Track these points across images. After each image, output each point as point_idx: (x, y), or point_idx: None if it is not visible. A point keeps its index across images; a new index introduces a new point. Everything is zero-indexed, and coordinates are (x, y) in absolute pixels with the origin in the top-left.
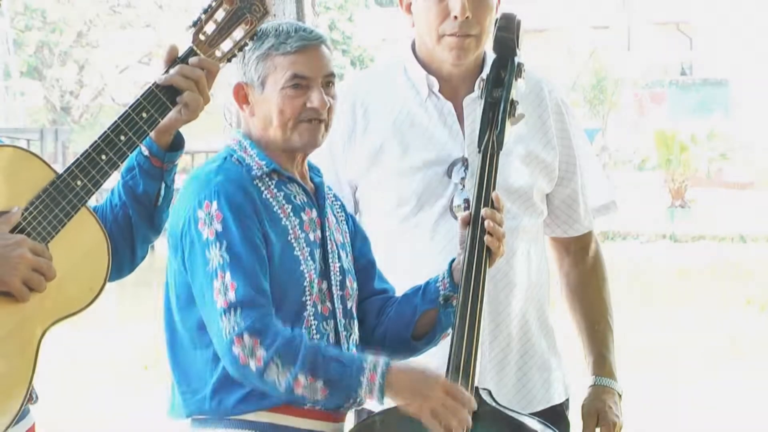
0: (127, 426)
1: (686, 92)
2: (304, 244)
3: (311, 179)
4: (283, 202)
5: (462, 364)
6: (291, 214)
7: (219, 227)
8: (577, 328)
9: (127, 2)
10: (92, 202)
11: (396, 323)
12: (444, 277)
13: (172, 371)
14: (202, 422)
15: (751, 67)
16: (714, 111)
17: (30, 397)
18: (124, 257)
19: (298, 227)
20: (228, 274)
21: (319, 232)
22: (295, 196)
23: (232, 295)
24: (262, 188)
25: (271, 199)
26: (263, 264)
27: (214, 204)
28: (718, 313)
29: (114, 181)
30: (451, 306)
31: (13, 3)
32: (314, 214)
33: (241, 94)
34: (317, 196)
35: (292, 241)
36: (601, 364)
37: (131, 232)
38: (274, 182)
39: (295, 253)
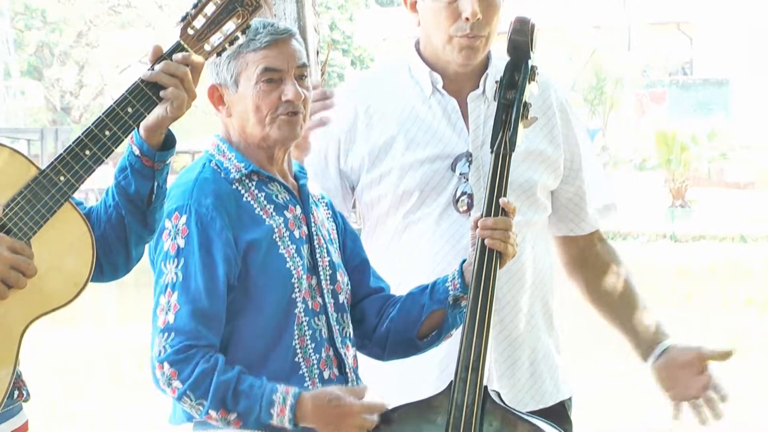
0: (125, 426)
1: (686, 92)
2: (289, 242)
3: (295, 177)
4: (265, 202)
5: (471, 363)
6: (274, 213)
7: (182, 243)
8: (618, 319)
9: (127, 2)
10: (92, 202)
11: (400, 322)
12: (455, 278)
13: None
14: (205, 424)
15: (751, 67)
16: (714, 111)
17: (20, 394)
18: (119, 258)
19: (282, 225)
20: (176, 294)
21: (305, 228)
22: (277, 195)
23: (171, 317)
24: (242, 191)
25: (252, 202)
26: (216, 287)
27: (183, 218)
28: (718, 313)
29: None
30: (459, 307)
31: (13, 3)
32: (298, 210)
33: (216, 96)
34: (300, 193)
35: (277, 239)
36: (665, 330)
37: (125, 232)
38: (254, 183)
39: (281, 251)
